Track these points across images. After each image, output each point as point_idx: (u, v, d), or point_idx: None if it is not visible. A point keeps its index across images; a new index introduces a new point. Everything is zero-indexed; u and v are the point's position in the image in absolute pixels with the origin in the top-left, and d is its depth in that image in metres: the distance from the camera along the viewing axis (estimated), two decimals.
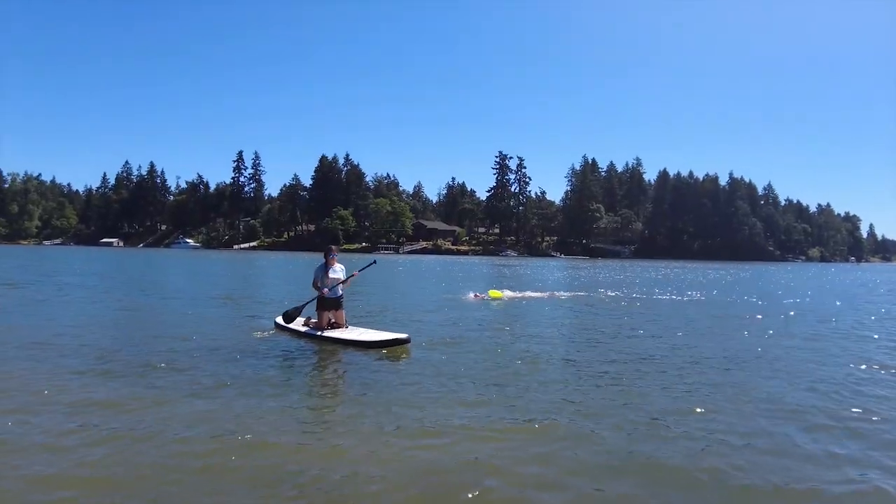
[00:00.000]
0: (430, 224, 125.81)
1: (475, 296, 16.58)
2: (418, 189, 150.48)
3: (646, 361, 7.64)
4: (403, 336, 8.40)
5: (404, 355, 7.90)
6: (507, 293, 17.37)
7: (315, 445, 4.33)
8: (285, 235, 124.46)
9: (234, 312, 12.66)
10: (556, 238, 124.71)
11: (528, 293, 18.48)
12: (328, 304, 9.06)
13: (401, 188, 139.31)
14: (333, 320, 9.13)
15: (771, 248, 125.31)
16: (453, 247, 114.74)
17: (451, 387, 6.05)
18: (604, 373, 6.93)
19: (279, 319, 10.07)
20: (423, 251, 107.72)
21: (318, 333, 8.92)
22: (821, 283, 33.53)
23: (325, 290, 8.99)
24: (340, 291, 9.25)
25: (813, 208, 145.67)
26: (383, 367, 7.21)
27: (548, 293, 18.97)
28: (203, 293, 17.41)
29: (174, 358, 7.29)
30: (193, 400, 5.42)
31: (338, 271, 9.20)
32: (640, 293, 20.29)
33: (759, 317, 13.39)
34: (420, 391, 5.88)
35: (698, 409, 5.34)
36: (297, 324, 9.62)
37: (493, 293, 16.61)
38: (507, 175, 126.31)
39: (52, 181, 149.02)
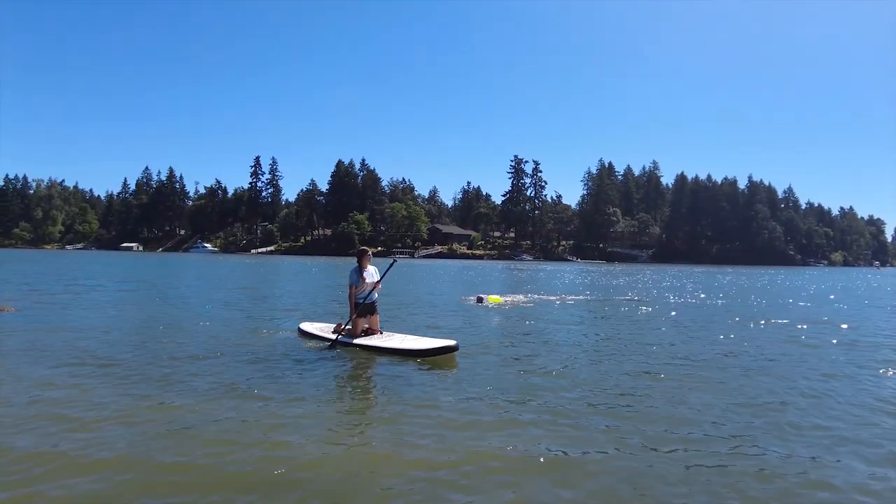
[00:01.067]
0: (445, 228, 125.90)
1: (479, 299, 16.01)
2: (434, 193, 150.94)
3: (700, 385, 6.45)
4: (451, 343, 7.66)
5: (451, 365, 7.30)
6: (509, 298, 17.11)
7: (335, 459, 4.13)
8: (302, 240, 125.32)
9: (256, 318, 12.29)
10: (572, 242, 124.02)
11: (547, 296, 18.42)
12: (363, 309, 8.58)
13: (416, 193, 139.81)
14: (367, 326, 8.62)
15: (791, 253, 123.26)
16: (469, 251, 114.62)
17: (493, 404, 5.52)
18: (656, 403, 5.79)
19: (303, 325, 9.62)
20: (439, 255, 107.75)
21: (353, 341, 8.36)
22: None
23: (361, 297, 8.51)
24: (376, 296, 8.76)
25: (835, 212, 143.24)
26: (425, 377, 6.66)
27: (582, 297, 18.88)
28: (223, 298, 17.24)
29: (192, 364, 7.10)
30: (212, 407, 5.24)
31: (372, 274, 8.71)
32: (672, 299, 20.00)
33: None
34: (461, 407, 5.41)
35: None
36: (327, 331, 9.05)
37: (493, 298, 16.15)
38: (522, 179, 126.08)
39: (75, 187, 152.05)
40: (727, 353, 8.74)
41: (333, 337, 8.62)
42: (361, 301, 8.53)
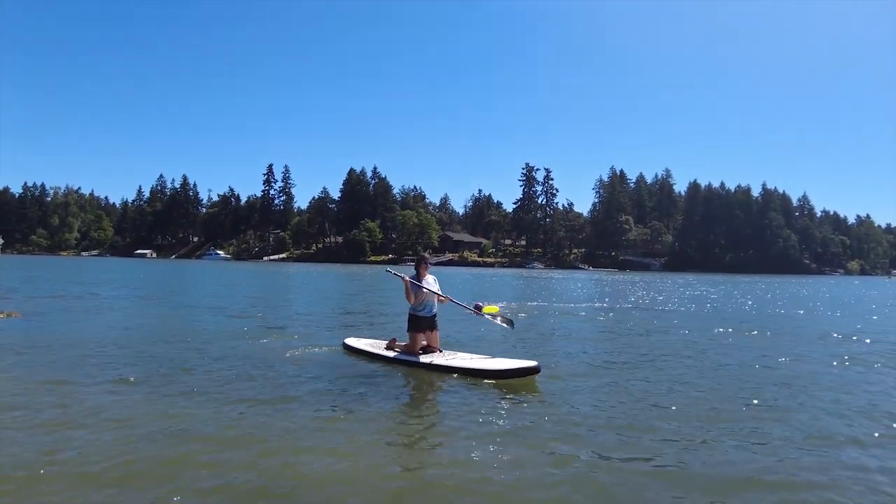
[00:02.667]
0: (456, 236, 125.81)
1: (477, 307, 15.12)
2: (445, 201, 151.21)
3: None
4: (532, 364, 6.70)
5: (530, 389, 6.35)
6: (509, 305, 16.53)
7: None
8: (314, 247, 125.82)
9: (292, 330, 11.13)
10: (583, 250, 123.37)
11: (573, 306, 18.15)
12: (422, 323, 7.71)
13: (427, 200, 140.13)
14: (426, 343, 7.76)
15: (807, 261, 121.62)
16: (479, 259, 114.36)
17: (583, 441, 4.62)
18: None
19: (349, 341, 8.75)
20: (450, 263, 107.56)
21: (412, 360, 7.53)
22: None
23: (419, 310, 7.72)
24: (436, 309, 7.87)
25: (852, 220, 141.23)
26: (501, 403, 5.74)
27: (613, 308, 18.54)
28: (249, 308, 16.54)
29: (221, 379, 6.64)
30: (246, 431, 4.79)
31: (431, 284, 7.82)
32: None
33: None
34: (546, 441, 4.61)
35: None
36: (377, 346, 8.24)
37: (489, 308, 15.42)
38: (533, 187, 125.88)
39: (91, 194, 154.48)
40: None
41: (387, 354, 7.89)
42: (419, 314, 7.73)
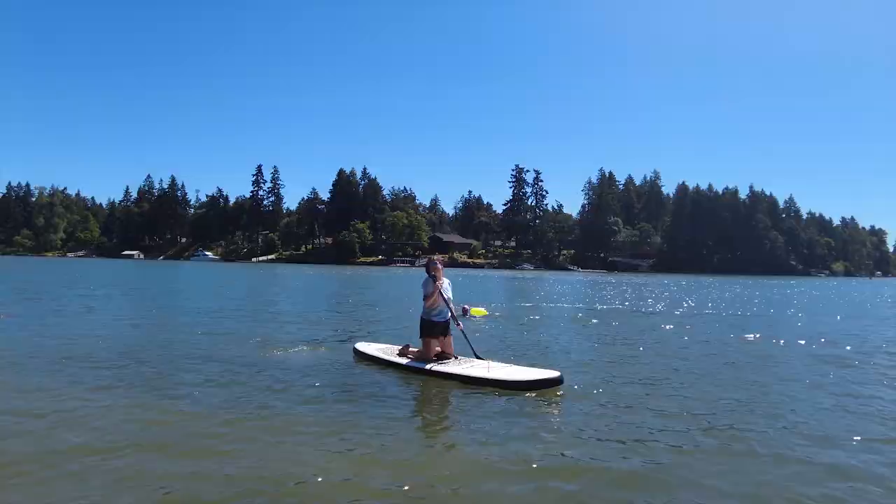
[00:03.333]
0: (446, 237, 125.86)
1: (464, 311, 14.33)
2: (435, 202, 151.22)
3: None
4: (554, 375, 6.39)
5: (552, 403, 5.99)
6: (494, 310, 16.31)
7: None
8: (303, 248, 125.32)
9: (298, 334, 10.69)
10: (573, 251, 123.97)
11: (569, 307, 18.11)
12: (436, 329, 7.44)
13: (417, 201, 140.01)
14: (440, 349, 7.48)
15: (793, 263, 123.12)
16: (469, 260, 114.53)
17: (610, 463, 4.26)
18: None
19: (359, 346, 8.43)
20: None
21: (425, 367, 7.17)
22: None
23: (433, 315, 7.47)
24: (449, 314, 7.54)
25: (837, 221, 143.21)
26: (520, 418, 5.38)
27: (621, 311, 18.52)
28: (252, 311, 16.17)
29: (231, 385, 6.41)
30: (258, 439, 4.61)
31: (446, 288, 7.56)
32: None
33: None
34: (570, 460, 4.32)
35: None
36: (389, 352, 7.92)
37: (477, 311, 14.87)
38: (523, 188, 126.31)
39: (77, 194, 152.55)
40: None
41: (400, 361, 7.55)
42: (433, 319, 7.46)
